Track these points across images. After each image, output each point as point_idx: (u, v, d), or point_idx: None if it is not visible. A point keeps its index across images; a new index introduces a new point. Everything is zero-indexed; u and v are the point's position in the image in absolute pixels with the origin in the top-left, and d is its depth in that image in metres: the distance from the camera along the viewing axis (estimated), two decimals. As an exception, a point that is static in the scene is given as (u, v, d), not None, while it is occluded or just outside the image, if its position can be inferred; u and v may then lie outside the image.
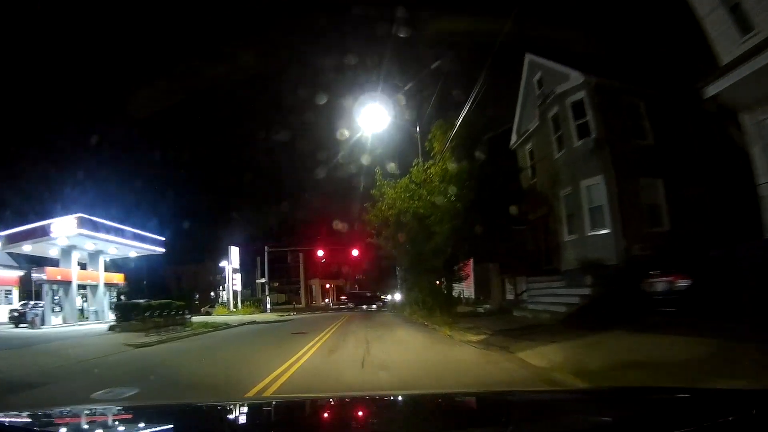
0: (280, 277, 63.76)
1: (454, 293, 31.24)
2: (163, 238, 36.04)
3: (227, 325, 23.59)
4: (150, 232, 35.34)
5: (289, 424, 2.24)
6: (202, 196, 65.09)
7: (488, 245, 19.85)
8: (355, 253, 45.90)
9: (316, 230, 50.15)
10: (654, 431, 1.60)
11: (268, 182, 75.19)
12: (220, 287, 67.66)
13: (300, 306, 59.17)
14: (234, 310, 41.43)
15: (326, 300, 64.97)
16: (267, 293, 44.29)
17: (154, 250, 36.07)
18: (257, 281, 46.73)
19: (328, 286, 66.03)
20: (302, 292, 61.73)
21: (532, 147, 22.38)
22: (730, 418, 1.53)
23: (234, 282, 43.10)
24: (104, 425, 2.12)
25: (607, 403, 2.28)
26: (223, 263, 44.19)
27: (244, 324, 25.60)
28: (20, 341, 16.11)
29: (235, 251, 43.76)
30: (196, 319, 27.15)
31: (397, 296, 77.70)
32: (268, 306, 43.16)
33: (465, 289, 29.01)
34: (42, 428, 1.95)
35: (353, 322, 22.05)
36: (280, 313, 39.06)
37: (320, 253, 46.37)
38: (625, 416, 1.91)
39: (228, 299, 42.68)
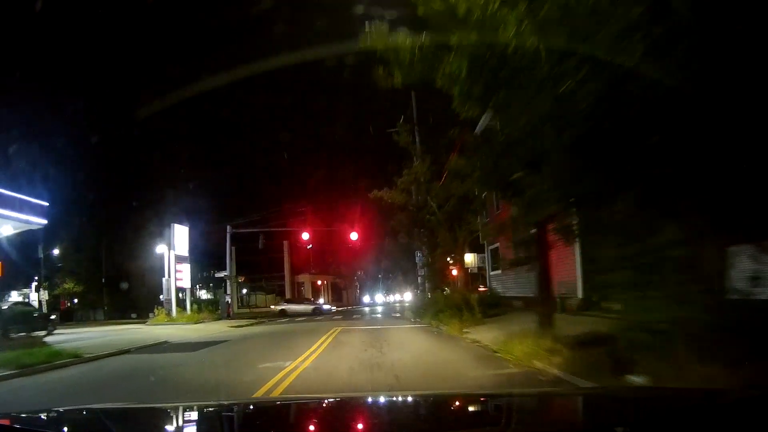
0: (260, 272, 50.41)
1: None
2: (46, 203, 22.55)
3: (75, 357, 10.93)
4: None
5: (292, 424, 2.26)
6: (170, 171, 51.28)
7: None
8: (353, 236, 32.35)
9: (304, 207, 36.84)
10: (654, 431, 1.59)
11: (250, 152, 61.72)
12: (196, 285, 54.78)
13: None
14: (175, 317, 28.07)
15: (320, 300, 51.38)
16: (228, 292, 31.03)
17: (30, 221, 22.54)
18: (219, 274, 33.21)
19: (320, 282, 52.25)
20: (287, 290, 48.20)
21: None
22: (731, 419, 1.51)
23: (179, 275, 29.68)
24: (105, 425, 2.07)
25: (608, 404, 2.25)
26: (161, 248, 30.81)
27: (123, 352, 12.56)
28: None
29: (180, 231, 30.35)
30: (74, 335, 17.10)
31: (407, 296, 65.05)
32: (230, 309, 29.71)
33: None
34: (42, 428, 1.95)
35: (340, 368, 8.53)
36: (239, 323, 25.67)
37: (306, 236, 32.84)
38: (626, 416, 1.91)
39: (169, 300, 29.30)
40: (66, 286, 47.49)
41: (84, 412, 2.36)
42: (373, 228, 39.85)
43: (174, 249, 30.38)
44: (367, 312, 33.69)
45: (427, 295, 23.10)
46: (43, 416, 2.16)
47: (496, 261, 23.71)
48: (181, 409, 2.45)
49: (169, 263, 30.40)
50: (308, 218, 34.17)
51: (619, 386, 4.06)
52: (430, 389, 5.80)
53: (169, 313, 29.23)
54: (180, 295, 32.50)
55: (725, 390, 2.94)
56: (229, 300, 29.96)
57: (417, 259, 23.14)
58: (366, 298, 67.19)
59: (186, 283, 31.20)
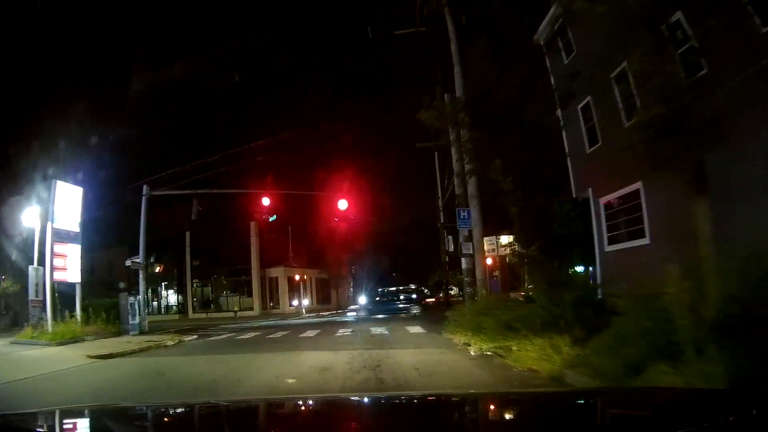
0: (219, 265, 38.96)
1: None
2: None
3: None
4: None
5: (291, 424, 2.24)
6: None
7: None
8: (342, 205, 20.97)
9: (265, 159, 25.39)
10: (654, 431, 1.58)
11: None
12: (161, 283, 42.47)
13: (248, 314, 33.84)
14: (50, 330, 16.88)
15: (304, 301, 39.63)
16: (140, 294, 19.48)
17: None
18: (127, 262, 21.50)
19: (298, 277, 39.90)
20: (255, 287, 36.35)
21: None
22: (731, 418, 1.49)
23: (60, 263, 18.32)
24: (104, 425, 2.08)
25: (608, 403, 2.19)
26: (29, 217, 19.46)
27: None
28: None
29: (68, 194, 19.00)
30: None
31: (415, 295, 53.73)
32: (132, 319, 18.30)
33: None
34: (41, 428, 1.95)
35: None
36: (131, 345, 14.18)
37: (266, 201, 21.19)
38: (626, 416, 1.91)
39: (39, 304, 18.08)
40: (4, 285, 36.92)
41: (83, 412, 2.41)
42: (371, 198, 28.85)
43: (53, 220, 18.82)
44: (363, 321, 22.17)
45: (481, 292, 11.56)
46: (42, 416, 2.20)
47: (616, 222, 12.37)
48: (181, 408, 2.56)
49: (43, 243, 18.90)
50: (270, 176, 22.62)
51: (619, 387, 3.90)
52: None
53: (38, 324, 17.83)
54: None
55: (725, 390, 2.94)
56: (134, 301, 18.28)
57: (460, 221, 11.64)
58: (362, 299, 55.34)
59: (72, 275, 19.51)
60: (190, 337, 16.43)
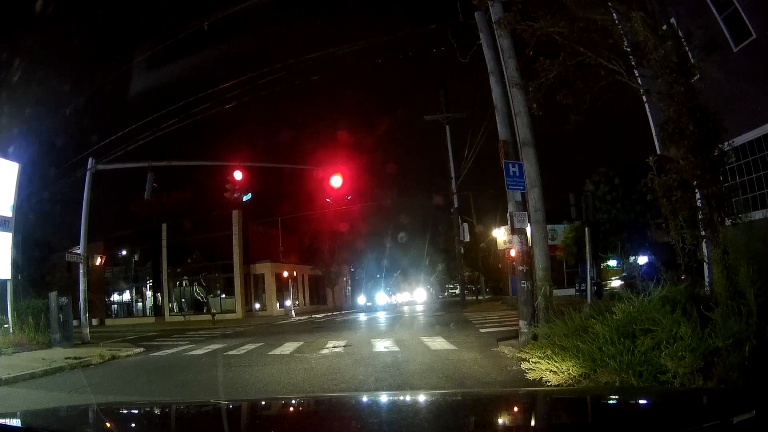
0: (200, 261, 34.86)
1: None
2: None
3: None
4: None
5: (291, 424, 2.21)
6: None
7: None
8: (336, 182, 16.84)
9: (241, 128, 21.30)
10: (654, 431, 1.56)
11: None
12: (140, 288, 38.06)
13: (230, 316, 29.63)
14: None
15: (295, 302, 35.39)
16: (80, 293, 15.36)
17: None
18: (70, 254, 17.35)
19: (287, 274, 35.10)
20: (237, 285, 32.07)
21: None
22: (731, 419, 1.45)
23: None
24: (103, 423, 2.05)
25: (609, 403, 2.21)
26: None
27: None
28: None
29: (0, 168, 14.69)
30: None
31: (420, 295, 51.37)
32: (64, 327, 14.10)
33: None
34: (41, 428, 1.95)
35: None
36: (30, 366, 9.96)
37: (238, 175, 17.04)
38: (626, 416, 1.88)
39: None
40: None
41: (84, 411, 2.37)
42: (372, 179, 25.16)
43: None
44: (363, 328, 18.07)
45: (545, 289, 7.46)
46: (42, 415, 2.25)
47: None
48: (181, 407, 2.53)
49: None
50: (244, 145, 18.48)
51: (618, 386, 4.00)
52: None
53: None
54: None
55: (725, 390, 2.98)
56: (65, 303, 13.98)
57: (509, 180, 7.36)
58: (361, 299, 51.09)
59: (1, 270, 15.42)
60: (131, 351, 12.32)
